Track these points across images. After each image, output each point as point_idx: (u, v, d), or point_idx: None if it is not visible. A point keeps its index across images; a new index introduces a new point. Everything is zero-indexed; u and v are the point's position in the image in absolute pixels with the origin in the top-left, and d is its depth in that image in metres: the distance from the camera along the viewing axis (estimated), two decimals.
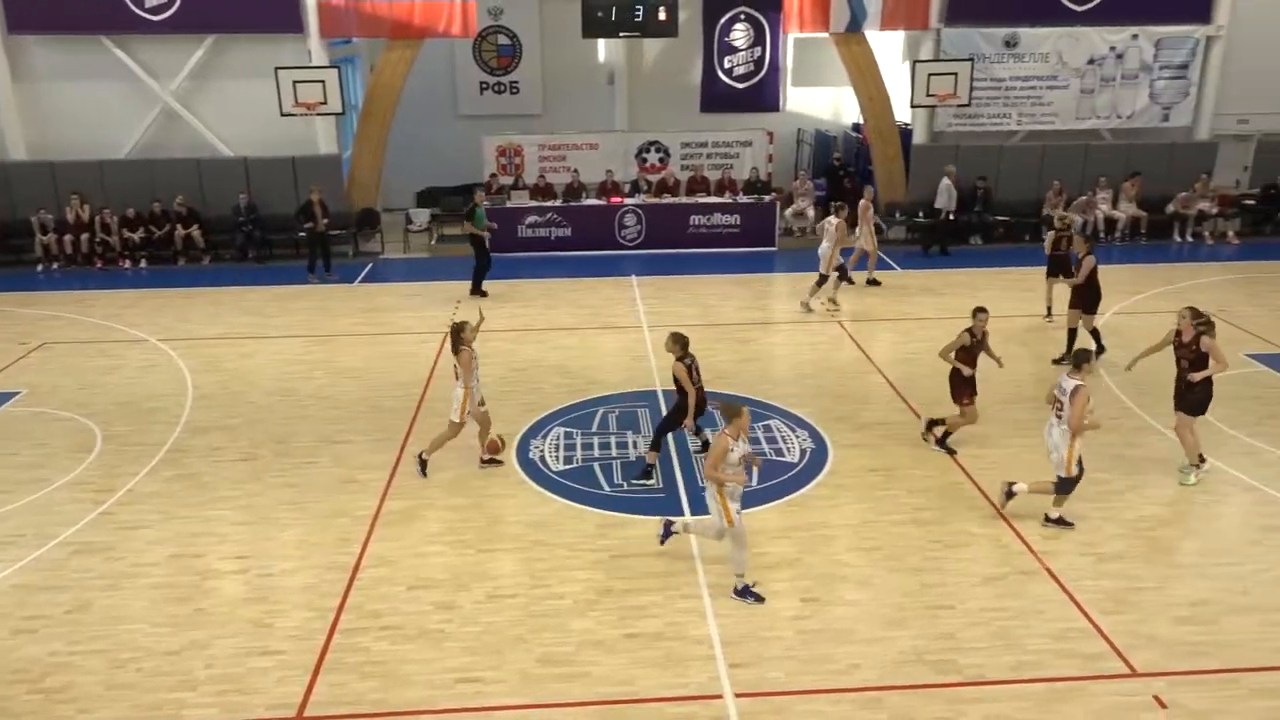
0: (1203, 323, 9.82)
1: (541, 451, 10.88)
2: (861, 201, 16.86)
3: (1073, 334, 13.23)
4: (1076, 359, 9.00)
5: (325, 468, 10.60)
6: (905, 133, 20.56)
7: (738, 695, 7.03)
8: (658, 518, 9.17)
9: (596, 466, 10.54)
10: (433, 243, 20.21)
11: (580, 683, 7.18)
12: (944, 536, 9.08)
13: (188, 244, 18.87)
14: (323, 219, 17.57)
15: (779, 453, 10.83)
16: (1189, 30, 20.18)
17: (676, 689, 7.10)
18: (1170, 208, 20.02)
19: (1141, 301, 15.86)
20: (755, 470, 8.66)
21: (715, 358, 13.74)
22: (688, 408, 9.98)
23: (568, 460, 10.70)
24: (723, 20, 21.32)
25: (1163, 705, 6.88)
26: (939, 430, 10.88)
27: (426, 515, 9.58)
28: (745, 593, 8.09)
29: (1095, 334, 13.36)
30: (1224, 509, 9.62)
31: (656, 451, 10.32)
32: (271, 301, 16.70)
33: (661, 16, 19.09)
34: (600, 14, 18.98)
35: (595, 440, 11.18)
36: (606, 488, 10.09)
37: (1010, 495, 9.35)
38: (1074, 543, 8.95)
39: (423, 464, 10.32)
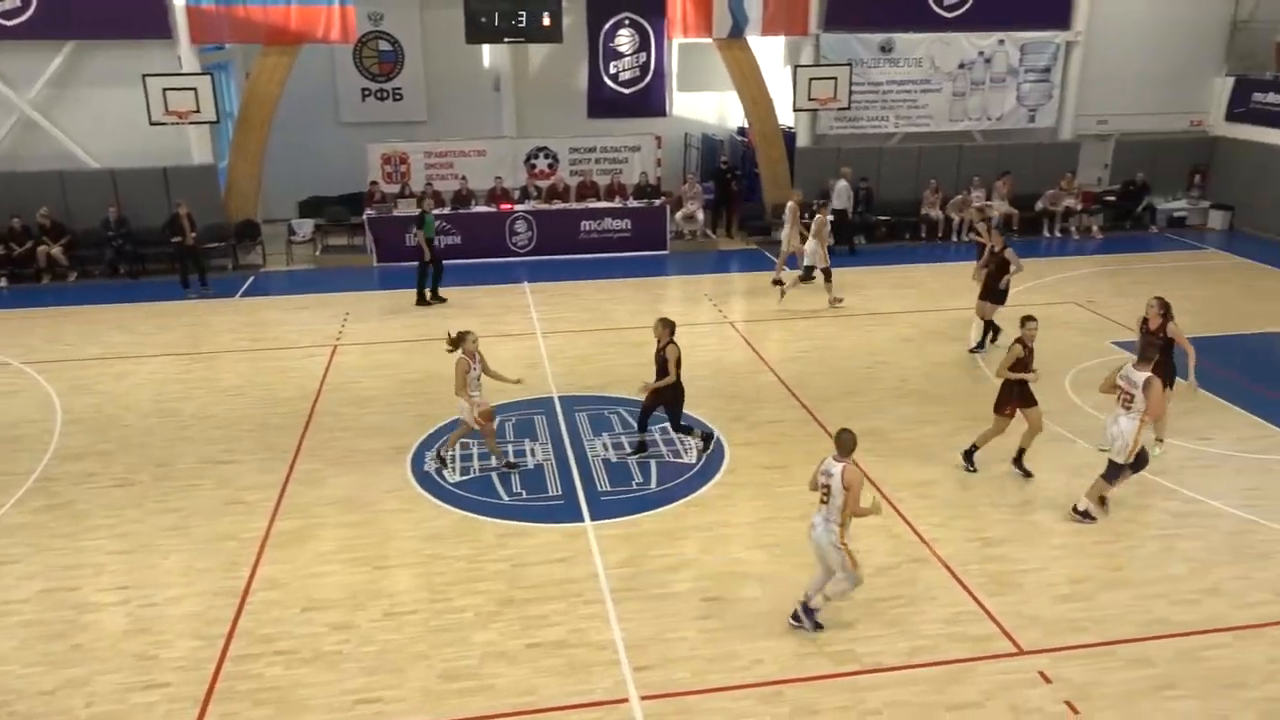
0: (1167, 311, 10.51)
1: (437, 463, 10.70)
2: (819, 216, 17.24)
3: (988, 324, 13.89)
4: (1142, 354, 9.08)
5: (210, 490, 10.19)
6: (789, 135, 21.00)
7: (644, 698, 7.05)
8: (559, 525, 9.15)
9: (494, 476, 10.42)
10: (317, 254, 19.68)
11: (484, 696, 7.09)
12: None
13: (52, 261, 17.89)
14: (191, 232, 16.94)
15: (676, 454, 10.91)
16: (1050, 36, 21.20)
17: (582, 696, 7.07)
18: (1039, 205, 20.98)
19: (1016, 295, 16.52)
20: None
21: (610, 362, 13.77)
22: (675, 391, 10.42)
23: (464, 471, 10.55)
24: (607, 26, 21.42)
25: (1047, 680, 7.19)
26: (973, 449, 10.48)
27: (319, 534, 9.31)
28: (809, 614, 7.74)
29: (991, 324, 13.96)
30: None
31: (644, 431, 10.78)
32: (146, 319, 15.97)
33: (545, 22, 19.03)
34: (483, 20, 18.80)
35: None
36: (505, 497, 9.99)
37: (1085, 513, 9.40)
38: (961, 529, 9.28)
39: (511, 466, 10.48)
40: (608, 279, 18.01)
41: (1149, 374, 8.89)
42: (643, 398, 10.69)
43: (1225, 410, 11.98)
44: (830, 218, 15.88)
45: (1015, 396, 10.01)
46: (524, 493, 10.07)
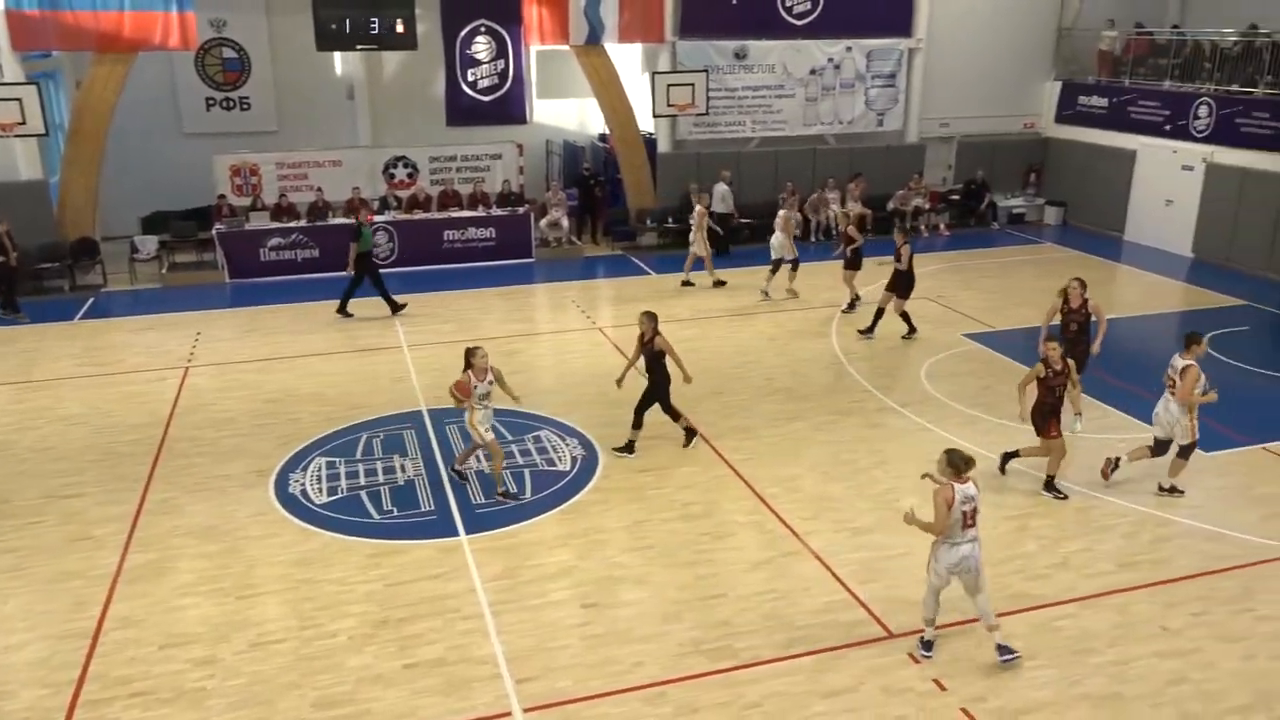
0: (1084, 288, 11.35)
1: (303, 485, 10.33)
2: (698, 208, 17.62)
3: (879, 312, 14.71)
4: (1187, 340, 9.63)
5: (53, 526, 9.54)
6: (650, 141, 21.23)
7: (526, 710, 6.98)
8: (434, 541, 8.97)
9: (364, 494, 10.13)
10: (164, 271, 18.71)
11: None
12: (712, 529, 9.44)
13: None
14: (13, 251, 15.87)
15: (550, 462, 10.85)
16: (894, 43, 22.14)
17: (463, 713, 6.94)
18: (890, 205, 21.86)
19: (872, 292, 17.15)
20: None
21: None
22: (666, 380, 10.78)
23: (332, 491, 10.21)
24: (463, 32, 21.11)
25: (916, 661, 7.48)
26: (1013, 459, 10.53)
27: (177, 566, 8.84)
28: (1002, 647, 7.45)
29: (906, 316, 14.67)
30: None
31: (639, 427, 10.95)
32: None
33: (399, 29, 18.66)
34: (334, 26, 18.29)
35: (360, 467, 10.74)
36: (375, 515, 9.73)
37: (1115, 468, 10.12)
38: (830, 521, 9.55)
39: (507, 496, 10.04)
40: (474, 288, 17.79)
41: (1189, 362, 9.52)
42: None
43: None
44: (785, 212, 17.01)
45: (1050, 415, 9.88)
46: (395, 510, 9.82)
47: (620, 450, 10.96)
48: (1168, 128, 20.55)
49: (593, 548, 9.11)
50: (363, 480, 10.43)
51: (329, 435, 11.58)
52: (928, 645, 7.57)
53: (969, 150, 23.46)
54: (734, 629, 7.88)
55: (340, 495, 10.13)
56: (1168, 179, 20.57)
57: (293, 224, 18.82)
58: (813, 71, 21.72)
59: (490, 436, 9.93)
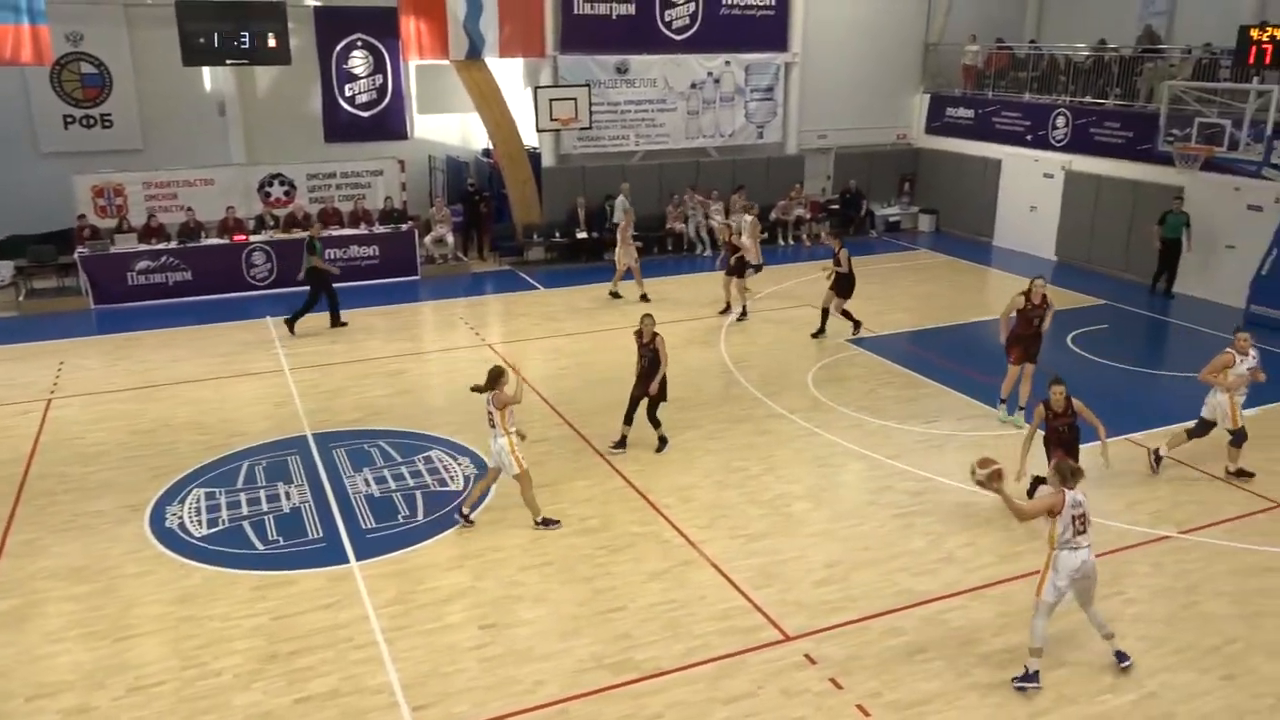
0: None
1: (180, 518, 9.88)
2: (621, 223, 17.80)
3: (825, 313, 15.43)
4: (1236, 329, 10.59)
5: None
6: (534, 156, 21.18)
7: None
8: (323, 569, 8.70)
9: (247, 525, 9.75)
10: (21, 299, 17.67)
11: None
12: (610, 541, 9.43)
13: None
14: None
15: (442, 483, 10.66)
16: (771, 57, 22.67)
17: None
18: (772, 215, 22.34)
19: (758, 301, 17.50)
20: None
21: (367, 394, 13.28)
22: (658, 381, 11.15)
23: (212, 523, 9.80)
24: (339, 47, 20.67)
25: (813, 662, 7.62)
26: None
27: (44, 610, 8.33)
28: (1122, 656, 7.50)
29: (848, 314, 15.42)
30: (843, 477, 10.86)
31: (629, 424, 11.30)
32: None
33: (271, 43, 18.14)
34: (201, 40, 17.66)
35: (242, 497, 10.34)
36: (260, 546, 9.37)
37: (1159, 460, 10.78)
38: (724, 529, 9.66)
39: (546, 522, 9.69)
40: (358, 308, 17.37)
41: (1224, 351, 10.39)
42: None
43: (946, 394, 13.22)
44: (750, 217, 17.74)
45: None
46: (281, 539, 9.48)
47: (659, 448, 11.37)
48: (1029, 137, 21.63)
49: (489, 567, 8.98)
50: (245, 510, 10.04)
51: (208, 465, 11.12)
52: (1033, 676, 7.26)
53: (846, 161, 24.19)
54: (634, 641, 7.88)
55: (221, 527, 9.73)
56: (1031, 186, 21.63)
57: (162, 246, 18.04)
58: (693, 85, 22.05)
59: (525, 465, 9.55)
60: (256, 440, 11.76)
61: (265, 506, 10.13)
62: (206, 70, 20.13)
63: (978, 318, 16.84)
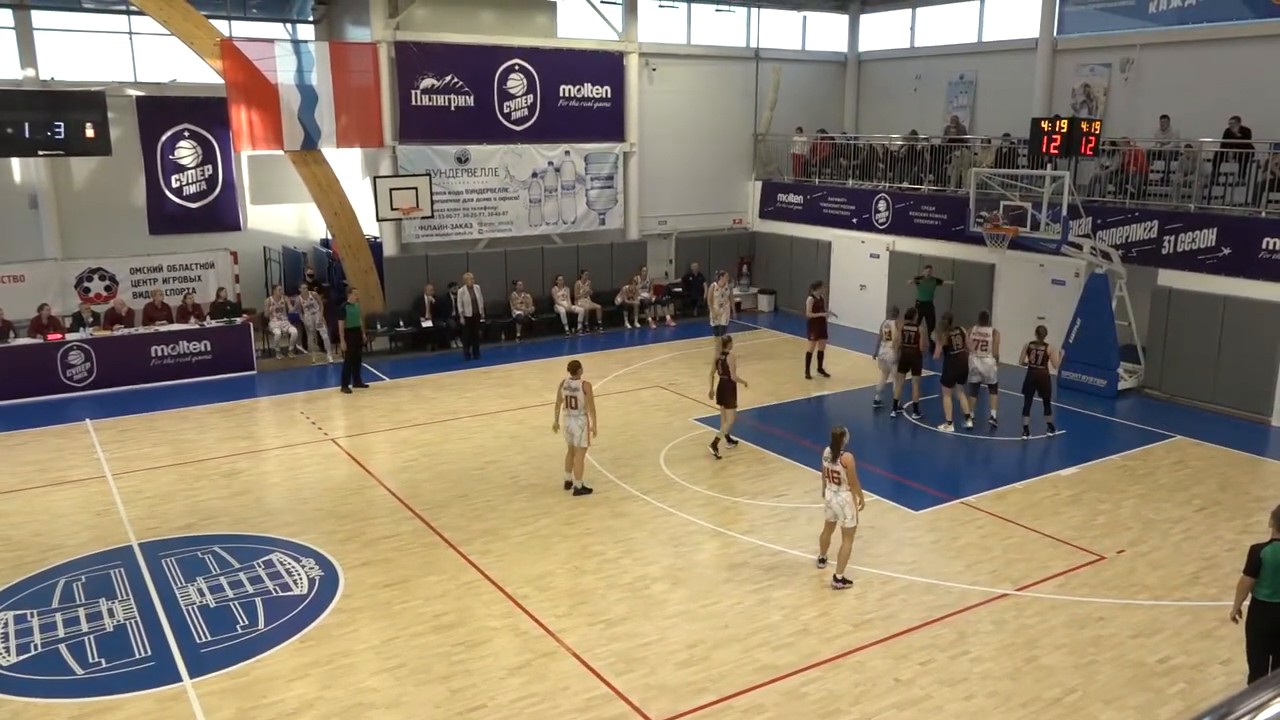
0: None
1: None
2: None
3: (809, 356, 17.99)
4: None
5: None
6: (376, 245, 20.86)
7: None
8: (152, 690, 8.01)
9: (63, 648, 8.90)
10: None
11: None
12: (466, 637, 9.11)
13: None
14: None
15: (284, 587, 10.08)
16: (609, 147, 23.31)
17: None
18: (618, 299, 22.71)
19: (609, 384, 17.64)
20: None
21: (199, 497, 12.52)
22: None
23: (23, 649, 8.90)
24: (165, 137, 19.99)
25: None
26: None
27: None
28: None
29: (820, 355, 18.17)
30: (700, 556, 10.91)
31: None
32: None
33: (89, 134, 17.34)
34: (9, 131, 16.71)
35: (58, 617, 9.46)
36: (79, 670, 8.56)
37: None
38: (584, 616, 9.50)
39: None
40: (188, 406, 16.48)
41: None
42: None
43: (792, 468, 13.57)
44: (717, 284, 19.28)
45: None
46: (103, 661, 8.69)
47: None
48: (854, 220, 22.93)
49: (337, 674, 8.50)
50: (62, 632, 9.18)
51: (18, 584, 10.14)
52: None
53: (687, 245, 24.97)
54: None
55: (34, 652, 8.85)
56: (859, 266, 22.85)
57: None
58: (534, 174, 22.37)
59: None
60: (75, 554, 10.85)
61: (85, 626, 9.29)
62: (15, 161, 19.03)
63: (817, 393, 17.49)
